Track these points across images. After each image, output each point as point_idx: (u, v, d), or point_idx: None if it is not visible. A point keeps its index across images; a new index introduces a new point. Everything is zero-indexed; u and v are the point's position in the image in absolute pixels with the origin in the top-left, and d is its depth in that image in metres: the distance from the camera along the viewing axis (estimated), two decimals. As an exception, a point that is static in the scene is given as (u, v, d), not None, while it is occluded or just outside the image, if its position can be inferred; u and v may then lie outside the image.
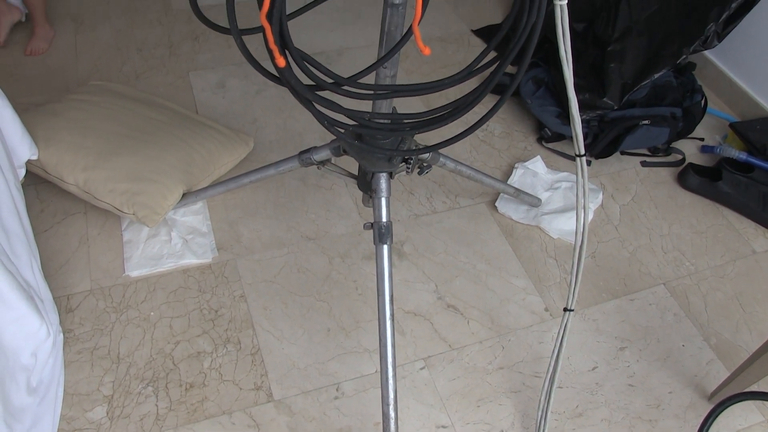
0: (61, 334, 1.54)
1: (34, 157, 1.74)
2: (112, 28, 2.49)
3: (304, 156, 1.48)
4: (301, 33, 2.51)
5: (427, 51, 0.90)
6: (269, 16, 0.90)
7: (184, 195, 1.80)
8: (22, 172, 1.68)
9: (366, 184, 1.37)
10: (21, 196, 1.51)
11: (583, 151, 1.33)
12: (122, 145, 1.82)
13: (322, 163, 1.49)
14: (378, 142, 1.27)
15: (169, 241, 1.79)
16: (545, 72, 2.26)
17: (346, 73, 2.29)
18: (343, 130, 1.16)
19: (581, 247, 1.36)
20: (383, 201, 1.32)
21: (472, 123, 1.17)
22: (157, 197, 1.73)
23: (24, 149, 1.68)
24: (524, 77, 2.26)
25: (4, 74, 2.25)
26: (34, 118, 1.85)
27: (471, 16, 2.72)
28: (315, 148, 1.47)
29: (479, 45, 2.56)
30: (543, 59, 2.29)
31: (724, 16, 2.15)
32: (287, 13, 0.97)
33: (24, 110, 1.93)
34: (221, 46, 2.44)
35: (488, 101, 2.25)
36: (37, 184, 1.90)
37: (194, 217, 1.86)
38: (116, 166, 1.76)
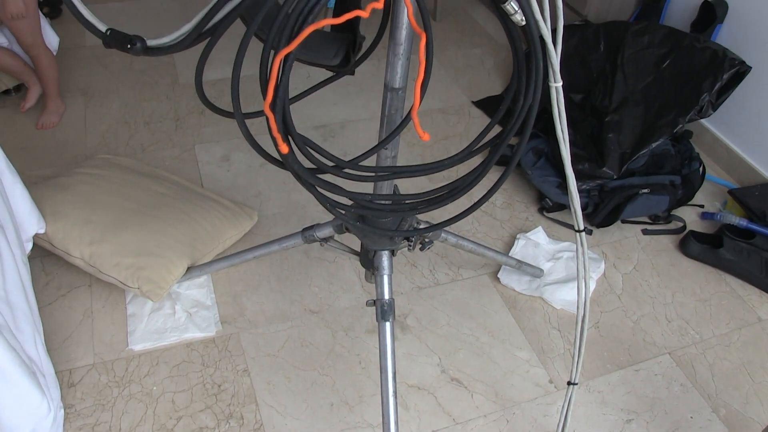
0: (62, 410, 1.54)
1: (42, 231, 1.76)
2: (120, 102, 2.55)
3: (307, 233, 1.50)
4: (304, 107, 2.57)
5: (426, 137, 0.93)
6: (272, 106, 0.93)
7: (188, 269, 1.81)
8: (29, 246, 1.70)
9: (368, 261, 1.39)
10: (27, 269, 1.53)
11: (582, 227, 1.34)
12: (128, 220, 1.84)
13: (325, 240, 1.50)
14: (380, 222, 1.29)
15: (173, 314, 1.80)
16: (545, 143, 2.30)
17: (348, 146, 2.37)
18: (345, 212, 1.18)
19: (583, 320, 1.36)
20: (385, 278, 1.33)
21: (474, 193, 1.19)
22: (161, 272, 1.74)
23: (32, 223, 1.71)
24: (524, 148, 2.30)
25: (16, 147, 2.30)
26: (43, 192, 1.89)
27: (471, 87, 2.79)
28: (318, 225, 1.49)
29: (479, 116, 2.61)
30: (542, 130, 2.33)
31: (716, 87, 2.20)
32: (289, 96, 1.00)
33: (33, 183, 1.97)
34: (226, 120, 2.50)
35: (491, 172, 2.28)
36: (43, 256, 1.92)
37: (198, 290, 1.86)
38: (122, 240, 1.78)
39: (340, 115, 2.57)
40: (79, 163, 2.20)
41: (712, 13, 2.40)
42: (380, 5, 0.89)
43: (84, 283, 1.87)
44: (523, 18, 1.01)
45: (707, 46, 2.26)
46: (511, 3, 1.00)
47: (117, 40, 1.07)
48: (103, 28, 1.08)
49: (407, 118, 1.12)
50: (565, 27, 2.57)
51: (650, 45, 2.36)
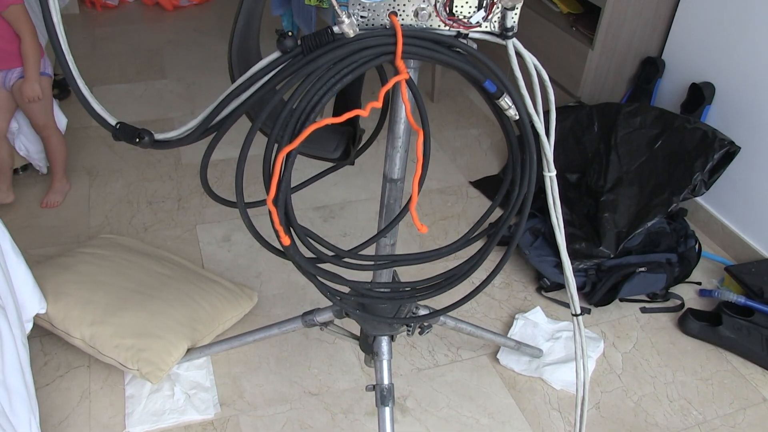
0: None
1: (43, 311, 1.77)
2: (124, 182, 2.60)
3: (307, 317, 1.52)
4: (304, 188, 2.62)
5: (424, 230, 0.95)
6: (275, 201, 0.96)
7: (188, 351, 1.82)
8: (29, 326, 1.71)
9: (368, 346, 1.39)
10: (26, 350, 1.54)
11: (578, 311, 1.36)
12: (129, 300, 1.86)
13: (325, 324, 1.52)
14: (379, 308, 1.30)
15: (172, 396, 1.79)
16: (542, 222, 2.33)
17: (348, 227, 2.40)
18: (344, 300, 1.20)
19: (583, 402, 1.36)
20: (385, 364, 1.34)
21: (473, 274, 1.21)
22: (161, 354, 1.75)
23: (34, 303, 1.72)
24: (521, 226, 2.33)
25: (20, 225, 2.33)
26: (45, 271, 1.91)
27: (469, 167, 2.84)
28: (318, 309, 1.51)
29: (477, 196, 2.65)
30: (539, 209, 2.37)
31: (708, 166, 2.25)
32: (291, 186, 1.03)
33: (36, 263, 1.99)
34: (228, 199, 2.54)
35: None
36: (42, 336, 1.92)
37: (197, 371, 1.86)
38: (122, 321, 1.79)
39: (339, 196, 2.61)
40: (81, 243, 2.22)
41: (700, 95, 2.47)
42: (379, 104, 0.93)
43: (83, 363, 1.87)
44: (517, 113, 1.05)
45: (697, 127, 2.33)
46: (505, 99, 1.04)
47: (126, 133, 1.11)
48: (113, 121, 1.13)
49: (405, 209, 1.15)
50: (559, 108, 2.65)
51: (642, 126, 2.43)
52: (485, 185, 2.70)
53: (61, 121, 2.49)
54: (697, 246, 2.32)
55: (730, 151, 2.26)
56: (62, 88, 3.07)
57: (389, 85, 0.93)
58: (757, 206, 2.35)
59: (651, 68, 2.70)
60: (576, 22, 2.79)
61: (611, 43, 2.64)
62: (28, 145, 2.48)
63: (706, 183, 2.26)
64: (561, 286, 2.22)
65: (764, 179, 2.31)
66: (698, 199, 2.56)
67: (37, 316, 1.78)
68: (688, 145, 2.31)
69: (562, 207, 2.37)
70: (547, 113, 1.14)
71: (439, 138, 3.01)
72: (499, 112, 1.08)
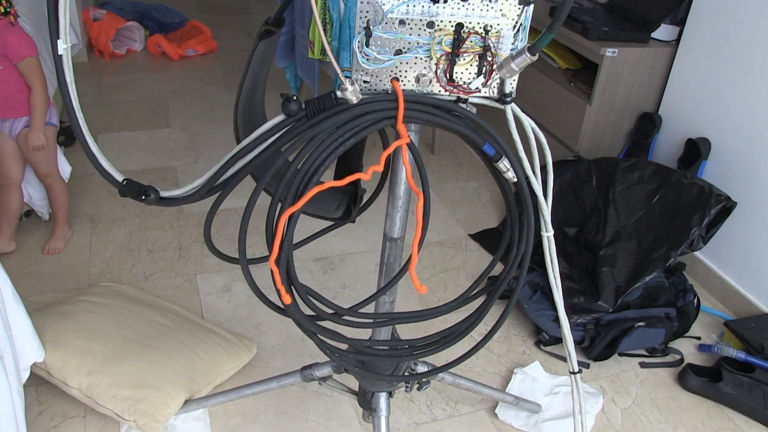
0: None
1: (41, 360, 1.77)
2: (126, 230, 2.61)
3: (306, 372, 1.52)
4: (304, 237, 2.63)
5: (423, 290, 0.97)
6: (277, 261, 0.98)
7: (185, 402, 1.81)
8: (26, 375, 1.70)
9: (366, 401, 1.39)
10: (21, 400, 1.53)
11: (576, 369, 1.36)
12: (127, 350, 1.85)
13: (324, 379, 1.51)
14: (378, 365, 1.30)
15: (168, 448, 1.77)
16: (540, 276, 2.34)
17: (348, 279, 2.41)
18: (344, 357, 1.20)
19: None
20: (383, 420, 1.33)
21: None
22: (159, 405, 1.74)
23: (32, 352, 1.72)
24: (520, 279, 2.34)
25: (21, 271, 2.34)
26: (44, 320, 1.91)
27: (468, 220, 2.86)
28: (317, 364, 1.51)
29: (476, 249, 2.67)
30: (538, 263, 2.38)
31: (705, 221, 2.27)
32: (293, 242, 1.05)
33: (36, 310, 1.99)
34: (227, 250, 2.55)
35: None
36: (38, 385, 1.91)
37: (194, 423, 1.85)
38: (120, 371, 1.79)
39: (339, 248, 2.62)
40: (81, 291, 2.23)
41: (696, 150, 2.51)
42: (381, 168, 0.95)
43: (78, 413, 1.86)
44: (515, 176, 1.08)
45: (694, 182, 2.36)
46: (503, 161, 1.07)
47: (132, 190, 1.13)
48: (119, 178, 1.15)
49: (405, 268, 1.17)
50: (558, 162, 2.69)
51: (640, 181, 2.46)
52: (484, 238, 2.72)
53: (65, 168, 2.52)
54: (695, 300, 2.32)
55: (727, 206, 2.29)
56: (68, 135, 3.11)
57: (390, 150, 0.96)
58: (755, 261, 2.37)
59: (648, 123, 2.75)
60: (574, 77, 2.84)
61: (609, 98, 2.69)
62: (31, 192, 2.51)
63: (703, 238, 2.28)
64: (560, 339, 2.22)
65: (761, 234, 2.33)
66: (696, 253, 2.57)
67: (34, 365, 1.77)
68: (686, 200, 2.34)
69: (560, 261, 2.39)
70: (544, 173, 1.16)
71: (438, 190, 3.04)
72: (498, 174, 1.10)
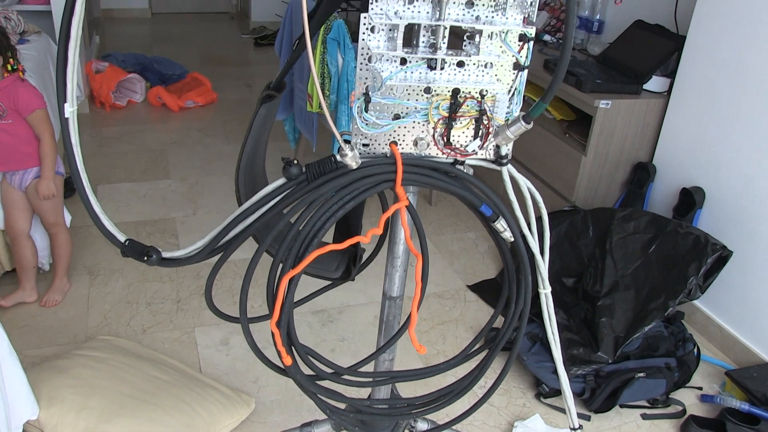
0: None
1: (34, 418, 1.75)
2: (124, 282, 2.61)
3: (305, 429, 1.51)
4: (303, 290, 2.63)
5: (423, 351, 0.97)
6: (278, 323, 0.98)
7: (183, 460, 1.79)
8: (18, 433, 1.68)
9: (366, 460, 1.38)
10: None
11: (577, 425, 1.36)
12: (125, 406, 1.84)
13: (323, 436, 1.50)
14: (377, 423, 1.30)
15: (164, 507, 1.75)
16: (539, 327, 2.34)
17: (346, 332, 2.41)
18: (344, 416, 1.20)
19: None
20: (383, 479, 1.32)
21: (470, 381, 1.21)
22: (156, 463, 1.72)
23: (26, 410, 1.70)
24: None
25: (18, 325, 2.33)
26: (40, 375, 1.89)
27: (466, 271, 2.87)
28: (316, 422, 1.50)
29: (475, 300, 2.67)
30: (537, 314, 2.38)
31: (702, 271, 2.28)
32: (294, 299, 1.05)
33: (32, 364, 1.97)
34: (226, 303, 2.55)
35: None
36: (32, 442, 1.89)
37: (191, 481, 1.82)
38: (117, 428, 1.77)
39: (338, 300, 2.62)
40: (78, 345, 2.22)
41: (691, 199, 2.54)
42: (380, 231, 0.97)
43: (74, 472, 1.83)
44: (512, 236, 1.09)
45: (690, 231, 2.37)
46: (501, 222, 1.09)
47: (134, 250, 1.14)
48: (122, 238, 1.17)
49: (404, 326, 1.17)
50: (554, 213, 2.71)
51: (636, 230, 2.48)
52: (483, 289, 2.72)
53: (66, 217, 2.54)
54: (696, 350, 2.31)
55: (723, 255, 2.30)
56: (68, 186, 3.13)
57: (389, 213, 0.98)
58: (754, 309, 2.37)
59: (643, 173, 2.78)
60: (569, 129, 2.89)
61: (603, 149, 2.72)
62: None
63: (701, 287, 2.29)
64: (560, 392, 2.21)
65: (759, 282, 2.34)
66: (695, 301, 2.57)
67: (27, 423, 1.75)
68: (682, 249, 2.35)
69: (558, 311, 2.40)
70: (540, 225, 1.18)
71: (436, 241, 3.06)
72: (495, 233, 1.11)
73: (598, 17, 3.33)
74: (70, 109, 1.13)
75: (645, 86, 2.75)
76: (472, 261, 2.94)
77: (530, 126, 0.91)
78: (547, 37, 3.42)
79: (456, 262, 2.92)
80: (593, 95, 2.64)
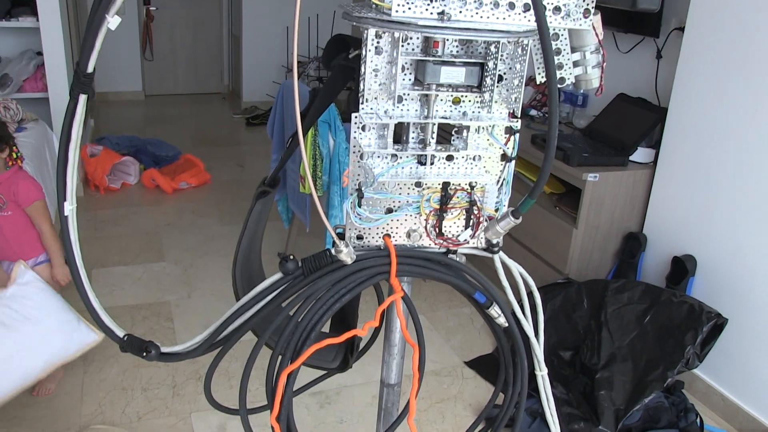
0: None
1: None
2: (119, 368, 2.59)
3: None
4: (301, 376, 2.61)
5: (422, 442, 0.97)
6: (278, 417, 0.99)
7: None
8: None
9: None
10: None
11: None
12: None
13: None
14: None
15: None
16: (539, 403, 2.32)
17: (345, 413, 2.40)
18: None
19: None
20: None
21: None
22: None
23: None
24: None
25: (9, 416, 2.28)
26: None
27: (463, 347, 2.86)
28: None
29: (473, 376, 2.65)
30: (535, 389, 2.36)
31: (699, 339, 2.29)
32: (294, 389, 1.05)
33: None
34: (223, 387, 2.53)
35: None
36: None
37: None
38: None
39: (335, 381, 2.59)
40: (72, 436, 2.18)
41: (683, 268, 2.56)
42: (376, 323, 0.98)
43: None
44: (506, 321, 1.11)
45: (683, 300, 2.39)
46: (495, 308, 1.10)
47: (133, 345, 1.15)
48: (120, 333, 1.17)
49: (404, 414, 1.17)
50: (548, 286, 2.72)
51: (630, 301, 2.49)
52: (480, 365, 2.71)
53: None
54: (698, 420, 2.29)
55: (718, 323, 2.31)
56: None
57: (385, 305, 0.99)
58: (755, 376, 2.36)
59: (634, 243, 2.81)
60: (559, 201, 2.93)
61: (594, 221, 2.76)
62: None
63: (698, 355, 2.29)
64: (563, 469, 2.18)
65: (757, 348, 2.34)
66: (695, 370, 2.56)
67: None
68: (677, 318, 2.36)
69: (557, 386, 2.39)
70: (535, 316, 1.19)
71: (432, 317, 3.05)
72: (490, 319, 1.13)
73: (581, 91, 3.43)
74: (69, 207, 1.15)
75: (631, 158, 2.82)
76: (469, 336, 2.93)
77: (519, 221, 0.93)
78: (533, 112, 3.51)
79: (452, 338, 2.91)
80: (581, 169, 2.70)
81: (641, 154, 2.82)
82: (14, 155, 2.25)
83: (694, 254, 2.57)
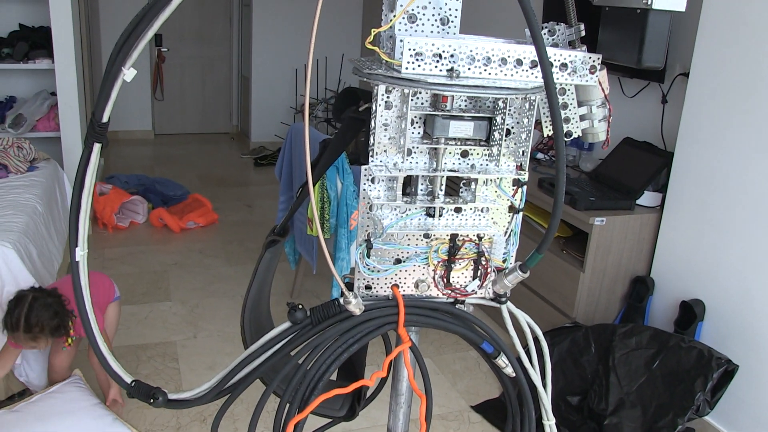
0: None
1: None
2: (124, 408, 2.57)
3: None
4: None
5: (430, 495, 0.96)
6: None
7: None
8: None
9: None
10: None
11: None
12: None
13: None
14: None
15: None
16: (546, 449, 2.29)
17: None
18: None
19: None
20: None
21: None
22: None
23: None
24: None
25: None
26: None
27: (469, 391, 2.83)
28: None
29: (479, 421, 2.62)
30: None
31: (709, 386, 2.26)
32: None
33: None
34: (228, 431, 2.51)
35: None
36: None
37: None
38: None
39: (341, 425, 2.57)
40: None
41: (692, 312, 2.55)
42: (384, 374, 0.98)
43: None
44: (513, 371, 1.11)
45: (692, 345, 2.37)
46: (502, 358, 1.10)
47: (141, 391, 1.15)
48: (128, 379, 1.17)
49: (411, 466, 1.16)
50: (556, 330, 2.71)
51: (638, 346, 2.47)
52: (487, 410, 2.68)
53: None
54: (709, 469, 2.26)
55: (729, 369, 2.28)
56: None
57: (393, 355, 0.99)
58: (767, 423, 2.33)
59: (641, 287, 2.80)
60: (566, 245, 2.94)
61: (601, 264, 2.76)
62: (28, 371, 2.50)
63: (709, 402, 2.26)
64: None
65: (768, 397, 2.31)
66: (706, 417, 2.53)
67: None
68: (686, 364, 2.34)
69: (566, 435, 2.35)
70: (542, 365, 1.19)
71: (438, 361, 3.03)
72: (497, 368, 1.13)
73: (588, 143, 3.46)
74: (80, 253, 1.16)
75: (638, 201, 2.82)
76: (475, 380, 2.91)
77: (527, 275, 0.94)
78: (540, 155, 3.53)
79: (459, 381, 2.89)
80: (588, 213, 2.70)
81: (648, 198, 2.83)
82: (69, 340, 2.29)
83: (702, 298, 2.56)
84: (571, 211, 2.76)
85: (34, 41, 4.16)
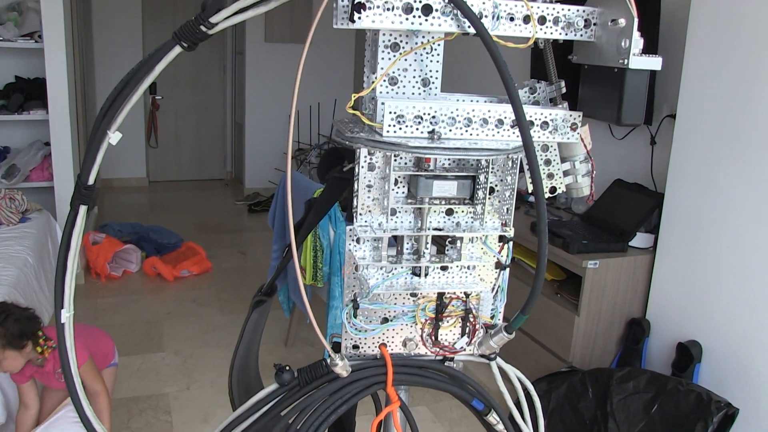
0: None
1: None
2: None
3: None
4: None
5: None
6: None
7: None
8: None
9: None
10: None
11: None
12: None
13: None
14: None
15: None
16: (546, 500, 2.25)
17: None
18: None
19: None
20: None
21: None
22: None
23: None
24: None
25: None
26: None
27: (466, 436, 2.80)
28: None
29: (477, 470, 2.59)
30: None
31: (709, 430, 2.23)
32: None
33: None
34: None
35: None
36: None
37: None
38: None
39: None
40: None
41: (689, 354, 2.53)
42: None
43: None
44: (505, 428, 1.09)
45: (691, 389, 2.34)
46: (493, 415, 1.09)
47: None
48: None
49: None
50: (552, 375, 2.69)
51: (636, 390, 2.45)
52: (485, 458, 2.64)
53: None
54: None
55: (729, 413, 2.26)
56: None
57: (382, 416, 0.98)
58: (771, 470, 2.29)
59: (637, 329, 2.79)
60: (560, 288, 2.93)
61: (595, 307, 2.75)
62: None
63: (710, 448, 2.23)
64: None
65: (769, 440, 2.28)
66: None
67: None
68: (685, 408, 2.31)
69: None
70: (535, 422, 1.17)
71: (434, 409, 2.99)
72: (488, 425, 1.11)
73: (573, 197, 3.47)
74: (66, 315, 1.15)
75: (630, 243, 2.83)
76: (472, 428, 2.86)
77: (512, 336, 0.93)
78: (531, 198, 3.54)
79: (456, 429, 2.85)
80: (581, 256, 2.70)
81: (640, 240, 2.84)
82: (39, 349, 2.21)
83: (698, 340, 2.55)
84: (564, 255, 2.76)
85: (29, 92, 4.19)
